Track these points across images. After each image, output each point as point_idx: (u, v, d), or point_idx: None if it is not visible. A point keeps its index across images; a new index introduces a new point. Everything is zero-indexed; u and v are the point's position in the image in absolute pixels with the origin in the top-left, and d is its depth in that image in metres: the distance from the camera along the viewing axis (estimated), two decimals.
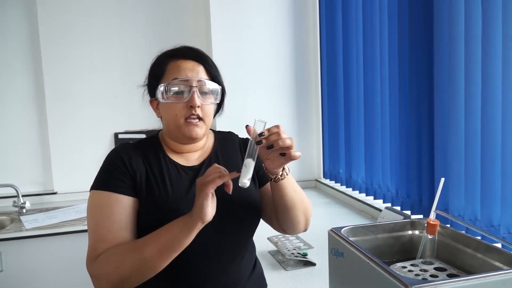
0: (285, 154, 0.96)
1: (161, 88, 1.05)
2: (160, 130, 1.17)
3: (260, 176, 1.18)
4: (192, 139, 1.08)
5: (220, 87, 1.11)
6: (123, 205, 1.01)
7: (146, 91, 1.14)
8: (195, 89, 1.04)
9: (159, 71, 1.08)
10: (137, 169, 1.04)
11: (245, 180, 0.91)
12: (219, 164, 1.08)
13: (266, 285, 1.21)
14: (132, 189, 1.03)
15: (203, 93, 1.06)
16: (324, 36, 2.64)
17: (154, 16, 2.84)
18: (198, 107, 1.04)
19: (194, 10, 2.88)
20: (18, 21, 2.67)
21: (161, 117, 1.12)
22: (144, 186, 1.04)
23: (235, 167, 1.08)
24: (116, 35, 2.78)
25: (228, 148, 1.19)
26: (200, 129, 1.06)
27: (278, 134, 0.94)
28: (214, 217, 0.91)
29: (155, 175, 1.06)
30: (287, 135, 0.95)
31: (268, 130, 0.94)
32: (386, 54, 1.91)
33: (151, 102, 1.13)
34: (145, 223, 1.02)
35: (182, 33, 2.86)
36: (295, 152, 0.97)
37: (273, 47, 2.73)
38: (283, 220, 1.12)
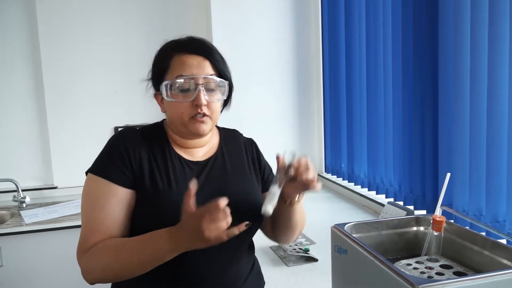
0: (308, 187, 0.96)
1: (165, 85, 1.01)
2: (164, 119, 1.13)
3: (265, 181, 1.17)
4: (199, 136, 1.05)
5: (227, 82, 1.06)
6: (120, 198, 0.98)
7: (150, 84, 1.10)
8: (201, 87, 0.99)
9: (163, 65, 1.03)
10: (140, 159, 1.01)
11: (269, 208, 0.91)
12: (224, 162, 1.09)
13: (264, 282, 1.19)
14: (132, 181, 0.99)
15: (209, 90, 1.02)
16: (326, 29, 2.61)
17: (154, 11, 2.81)
18: (205, 105, 1.00)
19: (195, 5, 2.85)
20: (17, 18, 2.65)
21: (165, 111, 1.08)
22: (147, 177, 1.00)
23: (240, 166, 1.12)
24: (116, 31, 2.75)
25: (233, 146, 1.16)
26: (207, 126, 1.03)
27: (306, 167, 0.95)
28: None
29: (159, 166, 1.02)
30: (313, 168, 0.97)
31: (298, 162, 0.95)
32: (390, 47, 1.88)
33: (155, 95, 1.09)
34: (145, 215, 0.98)
35: (182, 28, 2.82)
36: (318, 185, 0.97)
37: (275, 42, 2.69)
38: (279, 234, 1.15)
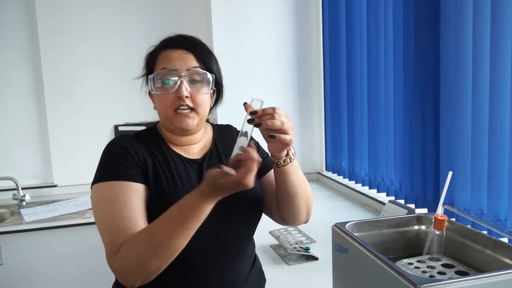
0: (274, 137, 0.93)
1: (150, 79, 1.03)
2: (158, 121, 1.13)
3: (263, 165, 1.13)
4: (185, 130, 1.04)
5: (213, 75, 1.06)
6: (137, 192, 0.95)
7: (145, 82, 1.11)
8: (182, 78, 1.00)
9: (151, 62, 1.06)
10: (144, 159, 1.00)
11: (233, 156, 0.88)
12: (220, 157, 1.09)
13: (265, 280, 1.19)
14: (142, 176, 0.98)
15: (194, 81, 1.02)
16: (327, 27, 2.60)
17: (154, 11, 2.80)
18: (187, 97, 1.00)
19: (195, 5, 2.84)
20: (17, 17, 2.64)
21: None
22: (152, 177, 0.99)
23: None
24: (116, 30, 2.74)
25: (228, 141, 1.14)
26: (192, 120, 1.03)
27: (272, 115, 0.92)
28: (214, 213, 0.88)
29: (162, 166, 1.01)
30: (284, 118, 0.93)
31: (263, 109, 0.92)
32: (391, 45, 1.87)
33: (149, 93, 1.09)
34: (151, 216, 0.95)
35: (182, 28, 2.79)
36: (285, 136, 0.94)
37: (275, 41, 2.68)
38: (284, 209, 1.09)
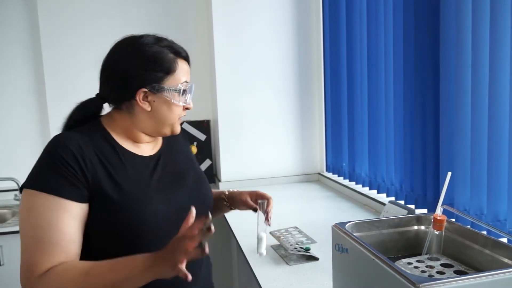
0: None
1: (177, 89, 1.05)
2: (100, 117, 1.09)
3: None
4: (175, 134, 1.13)
5: None
6: (73, 214, 0.91)
7: (156, 82, 1.04)
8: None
9: (171, 66, 1.04)
10: (93, 166, 0.96)
11: (262, 251, 1.21)
12: (172, 152, 1.17)
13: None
14: (85, 194, 0.94)
15: None
16: (327, 28, 2.61)
17: (155, 8, 2.81)
18: None
19: (195, 3, 2.85)
20: (18, 14, 2.65)
21: (140, 109, 1.04)
22: (106, 183, 0.96)
23: (184, 153, 1.23)
24: (117, 28, 2.76)
25: (173, 137, 1.19)
26: None
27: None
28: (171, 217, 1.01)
29: (114, 167, 0.99)
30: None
31: (268, 204, 1.23)
32: (391, 45, 1.87)
33: (141, 91, 1.03)
34: (112, 222, 0.95)
35: (183, 26, 2.84)
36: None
37: (275, 40, 2.69)
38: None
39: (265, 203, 1.21)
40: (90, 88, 2.92)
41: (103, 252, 0.91)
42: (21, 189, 0.95)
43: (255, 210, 1.24)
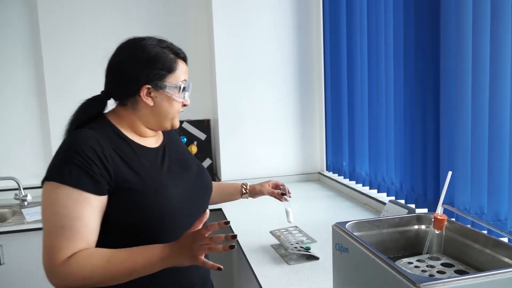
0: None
1: (177, 86, 1.14)
2: (104, 114, 1.17)
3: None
4: (174, 128, 1.23)
5: None
6: (94, 206, 0.99)
7: (158, 80, 1.12)
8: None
9: (172, 66, 1.13)
10: (113, 159, 1.04)
11: (291, 219, 1.57)
12: (173, 144, 1.26)
13: None
14: (105, 188, 1.01)
15: None
16: (327, 28, 2.60)
17: (156, 8, 2.81)
18: None
19: (196, 2, 2.85)
20: (18, 14, 2.65)
21: (143, 104, 1.12)
22: (127, 173, 1.05)
23: (183, 145, 1.35)
24: (117, 27, 2.75)
25: (168, 131, 1.28)
26: None
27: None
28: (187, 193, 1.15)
29: (131, 159, 1.08)
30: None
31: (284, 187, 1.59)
32: (391, 45, 1.87)
33: (145, 88, 1.11)
34: (138, 208, 1.04)
35: (184, 25, 2.84)
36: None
37: (276, 40, 2.69)
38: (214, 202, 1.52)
39: (285, 187, 1.59)
40: (90, 88, 2.92)
41: (120, 242, 1.00)
42: (42, 182, 1.03)
43: (282, 194, 1.57)
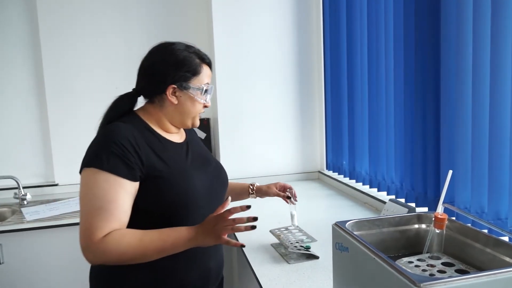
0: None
1: (201, 88, 1.24)
2: (134, 111, 1.26)
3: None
4: (195, 127, 1.33)
5: None
6: (128, 191, 1.08)
7: (183, 81, 1.21)
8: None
9: (197, 69, 1.23)
10: (146, 151, 1.14)
11: (295, 223, 1.59)
12: (194, 141, 1.38)
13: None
14: (138, 175, 1.11)
15: None
16: (327, 27, 2.60)
17: (155, 9, 2.80)
18: None
19: (195, 2, 2.84)
20: (17, 14, 2.64)
21: (169, 102, 1.23)
22: (158, 163, 1.15)
23: (201, 142, 1.45)
24: (117, 27, 2.75)
25: (189, 130, 1.41)
26: None
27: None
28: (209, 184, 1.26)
29: (162, 151, 1.19)
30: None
31: (292, 190, 1.60)
32: (391, 44, 1.87)
33: (170, 87, 1.21)
34: (159, 196, 1.13)
35: (184, 25, 2.83)
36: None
37: (276, 39, 2.69)
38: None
39: (292, 190, 1.58)
40: (89, 87, 2.95)
41: (146, 227, 1.08)
42: (81, 169, 1.11)
43: (287, 197, 1.58)
